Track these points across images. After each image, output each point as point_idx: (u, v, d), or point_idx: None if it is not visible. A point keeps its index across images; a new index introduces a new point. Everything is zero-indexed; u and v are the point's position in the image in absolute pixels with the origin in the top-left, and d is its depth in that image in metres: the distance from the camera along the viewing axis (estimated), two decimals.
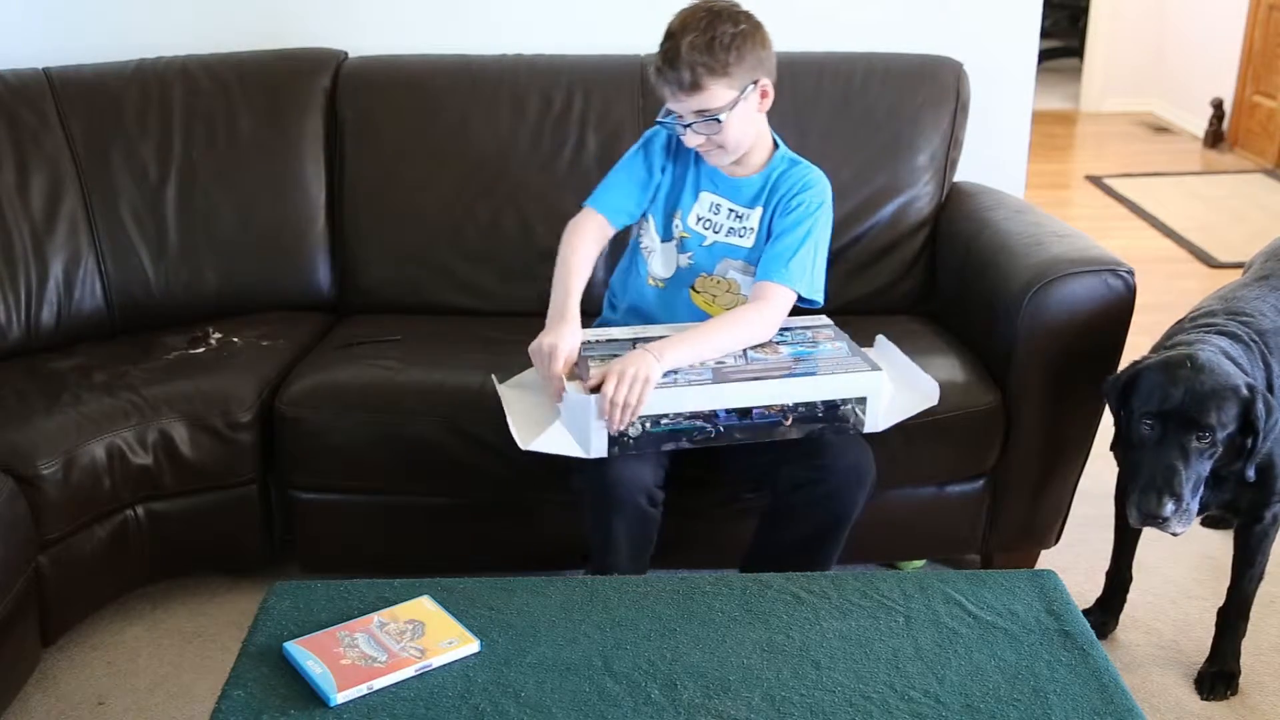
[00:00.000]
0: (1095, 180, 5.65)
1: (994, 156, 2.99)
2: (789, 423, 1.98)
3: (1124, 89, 7.09)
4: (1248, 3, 6.03)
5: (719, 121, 2.02)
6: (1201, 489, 1.94)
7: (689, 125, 2.05)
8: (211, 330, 2.53)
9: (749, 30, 2.02)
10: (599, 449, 1.93)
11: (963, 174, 2.74)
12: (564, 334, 2.00)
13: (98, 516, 2.19)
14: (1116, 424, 2.03)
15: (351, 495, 2.32)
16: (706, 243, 2.17)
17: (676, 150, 2.20)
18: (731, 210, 2.17)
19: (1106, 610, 2.32)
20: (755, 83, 2.04)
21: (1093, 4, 7.09)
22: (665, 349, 1.95)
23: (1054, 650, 1.56)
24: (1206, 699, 2.14)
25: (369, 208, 2.70)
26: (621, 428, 1.91)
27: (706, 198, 2.18)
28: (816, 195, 2.14)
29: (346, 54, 2.82)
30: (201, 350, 2.46)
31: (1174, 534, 1.94)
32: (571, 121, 2.67)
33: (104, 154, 2.62)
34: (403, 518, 2.32)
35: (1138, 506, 1.92)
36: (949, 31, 2.93)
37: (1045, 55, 6.81)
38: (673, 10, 2.07)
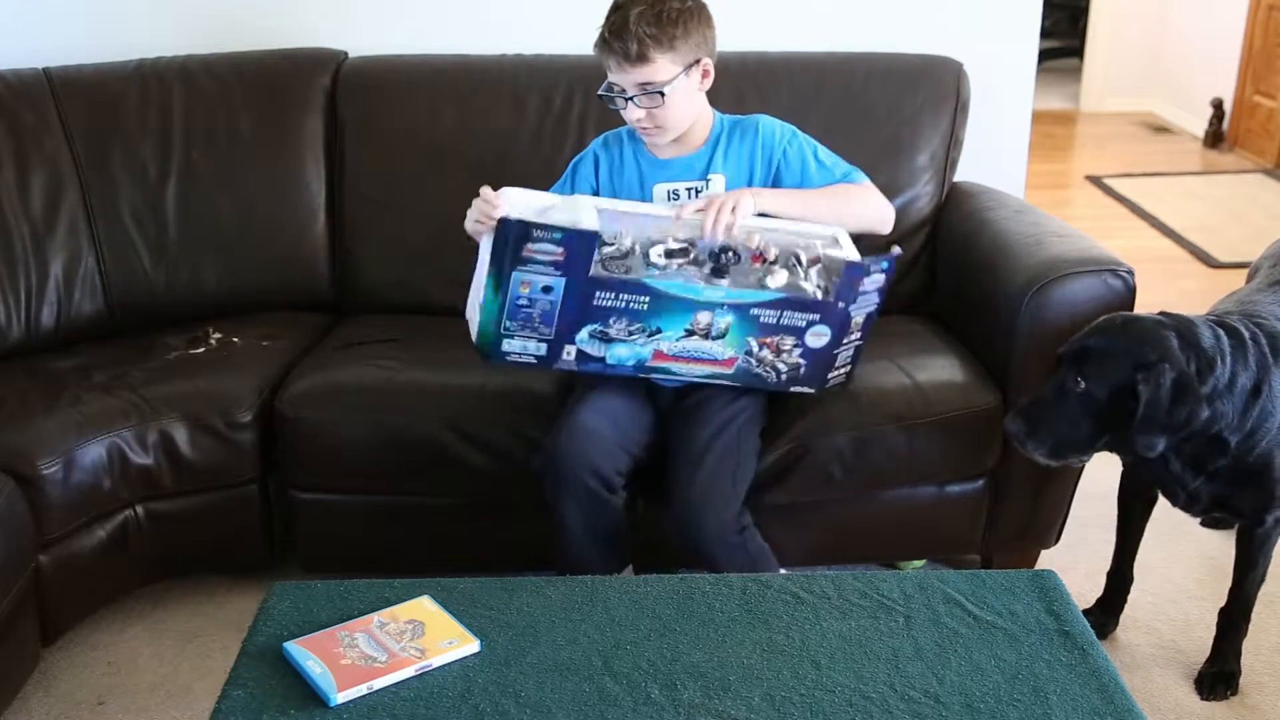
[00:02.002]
0: (1095, 180, 5.64)
1: (994, 156, 2.99)
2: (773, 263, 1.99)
3: (1124, 89, 7.09)
4: (1248, 3, 6.03)
5: (662, 95, 2.04)
6: (1081, 433, 1.95)
7: (630, 99, 2.05)
8: (211, 330, 2.53)
9: (695, 7, 2.06)
10: (590, 223, 1.94)
11: (963, 174, 2.74)
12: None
13: (98, 516, 2.19)
14: None
15: (351, 495, 2.32)
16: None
17: (609, 165, 2.21)
18: (689, 189, 2.17)
19: (1107, 610, 2.32)
20: (698, 61, 2.07)
21: (1093, 4, 7.08)
22: (762, 193, 2.05)
23: (1054, 650, 1.56)
24: (1206, 699, 2.14)
25: (369, 208, 2.70)
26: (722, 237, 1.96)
27: (661, 189, 2.18)
28: (784, 130, 2.19)
29: (346, 54, 2.81)
30: (201, 350, 2.46)
31: (1039, 462, 1.99)
32: (571, 121, 2.67)
33: (104, 154, 2.62)
34: (403, 518, 2.32)
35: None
36: (949, 31, 2.93)
37: (1045, 55, 6.79)
38: None
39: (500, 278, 1.93)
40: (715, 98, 2.64)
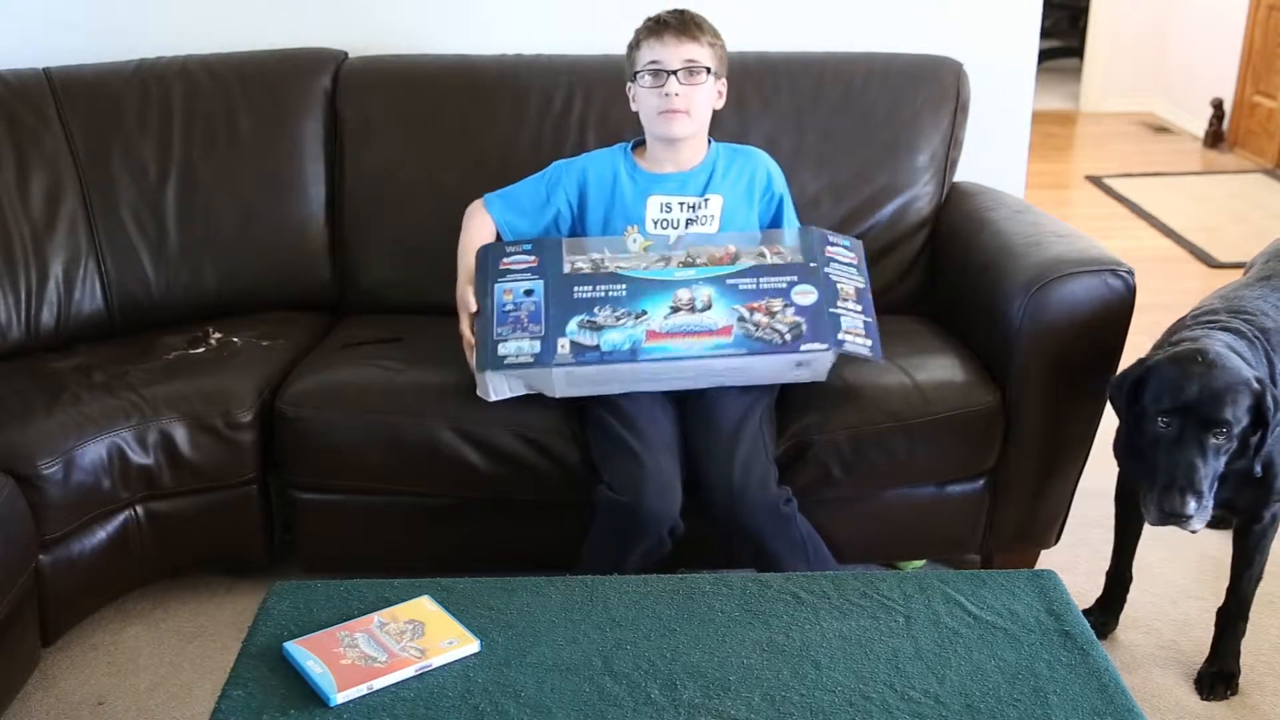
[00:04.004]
0: (1095, 180, 5.65)
1: (994, 156, 2.99)
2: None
3: (1124, 89, 7.09)
4: (1248, 3, 6.03)
5: (708, 71, 2.19)
6: (1216, 485, 1.92)
7: (674, 72, 2.16)
8: (211, 330, 2.53)
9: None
10: (567, 393, 2.12)
11: (963, 174, 2.74)
12: (459, 292, 2.22)
13: (98, 516, 2.19)
14: (1125, 424, 2.01)
15: (351, 495, 2.31)
16: (671, 241, 2.22)
17: (599, 179, 2.28)
18: (683, 204, 2.24)
19: (1106, 610, 2.32)
20: (721, 75, 2.25)
21: (1093, 4, 7.08)
22: None
23: (1054, 650, 1.56)
24: (1206, 699, 2.14)
25: (369, 208, 2.70)
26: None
27: (655, 201, 2.25)
28: (781, 176, 2.37)
29: (346, 54, 2.81)
30: (201, 350, 2.46)
31: (1193, 531, 1.92)
32: (571, 121, 2.67)
33: (104, 154, 2.62)
34: (403, 518, 2.32)
35: (1158, 506, 1.90)
36: (949, 31, 2.93)
37: (1045, 55, 6.80)
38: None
39: (485, 295, 2.10)
40: None
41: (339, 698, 1.47)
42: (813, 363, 2.09)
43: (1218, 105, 6.17)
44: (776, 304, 2.08)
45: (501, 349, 2.06)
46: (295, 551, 2.41)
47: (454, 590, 1.69)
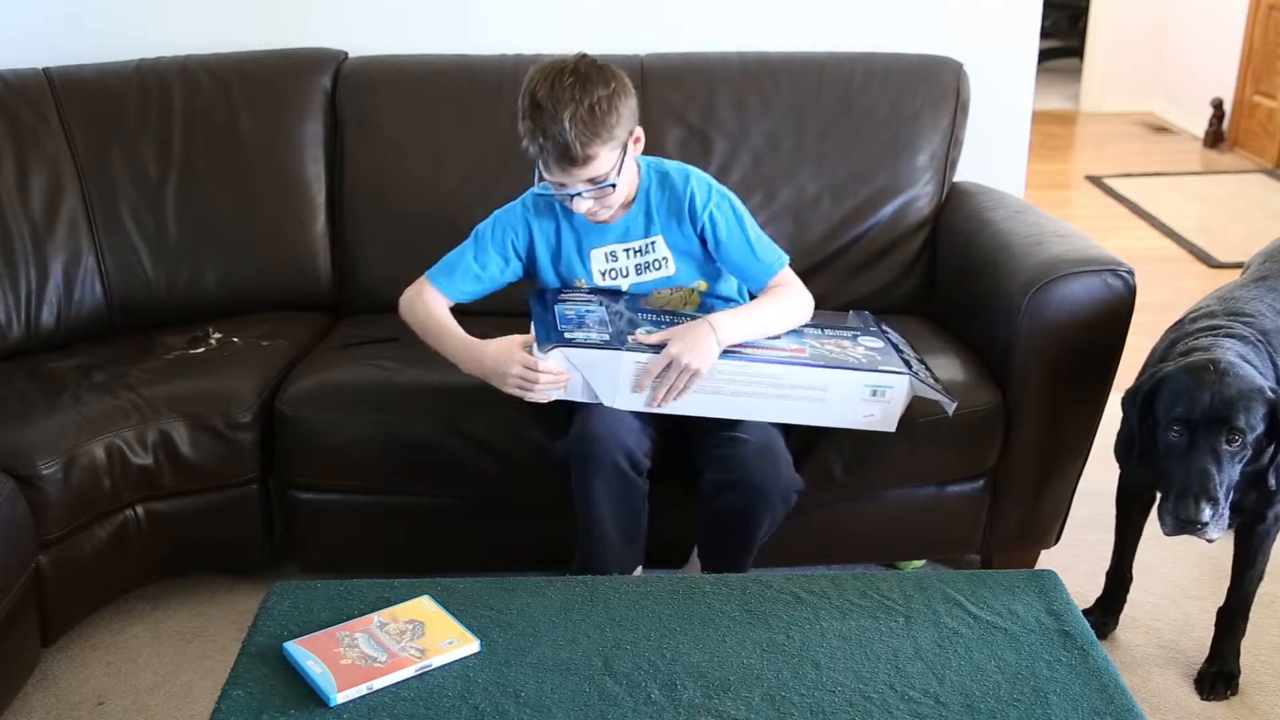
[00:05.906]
0: (1095, 180, 5.65)
1: (994, 156, 2.99)
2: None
3: (1124, 89, 7.10)
4: (1248, 3, 6.03)
5: (614, 187, 2.02)
6: (1232, 494, 1.91)
7: (576, 194, 2.01)
8: (211, 330, 2.53)
9: (618, 87, 2.00)
10: (625, 403, 2.00)
11: (963, 174, 2.74)
12: (500, 344, 2.04)
13: (98, 516, 2.19)
14: (1139, 435, 2.00)
15: (351, 495, 2.32)
16: (624, 289, 2.17)
17: (544, 236, 2.16)
18: (627, 250, 2.16)
19: (1106, 610, 2.32)
20: (630, 133, 2.03)
21: (1093, 4, 7.09)
22: (724, 326, 2.01)
23: (1054, 650, 1.56)
24: (1206, 699, 2.14)
25: (369, 208, 2.70)
26: (657, 407, 2.00)
27: (598, 254, 2.16)
28: (715, 193, 2.14)
29: (346, 54, 2.81)
30: (201, 350, 2.46)
31: (1209, 540, 1.90)
32: None
33: (104, 154, 2.62)
34: (403, 518, 2.32)
35: (1173, 514, 1.89)
36: (949, 31, 2.93)
37: (1045, 55, 6.81)
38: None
39: (545, 320, 2.03)
40: (718, 99, 2.65)
41: (339, 698, 1.47)
42: (887, 393, 2.04)
43: (1218, 105, 6.17)
44: (845, 342, 2.12)
45: (569, 335, 1.98)
46: (295, 551, 2.41)
47: (454, 590, 1.69)
